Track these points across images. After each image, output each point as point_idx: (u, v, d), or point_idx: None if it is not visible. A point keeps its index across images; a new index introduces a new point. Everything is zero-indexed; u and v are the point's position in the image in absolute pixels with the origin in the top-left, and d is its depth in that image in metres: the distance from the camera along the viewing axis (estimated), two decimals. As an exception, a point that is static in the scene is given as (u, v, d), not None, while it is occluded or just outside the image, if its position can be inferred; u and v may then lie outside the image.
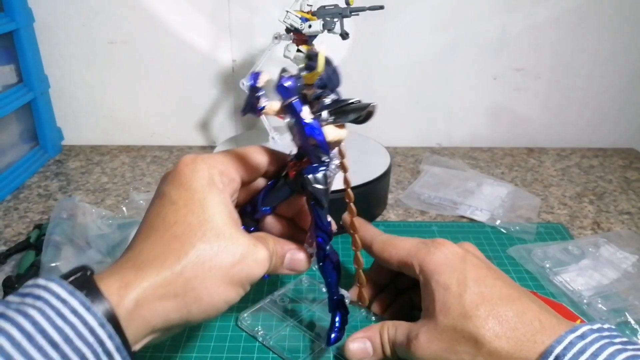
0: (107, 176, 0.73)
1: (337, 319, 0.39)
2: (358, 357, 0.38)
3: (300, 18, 0.52)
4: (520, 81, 0.81)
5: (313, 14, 0.53)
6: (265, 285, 0.48)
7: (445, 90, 0.82)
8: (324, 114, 0.32)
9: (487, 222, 0.60)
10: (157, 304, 0.27)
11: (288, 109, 0.32)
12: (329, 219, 0.35)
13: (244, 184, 0.35)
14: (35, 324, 0.23)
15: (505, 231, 0.58)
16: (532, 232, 0.58)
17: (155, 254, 0.28)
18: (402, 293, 0.44)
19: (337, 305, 0.39)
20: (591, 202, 0.67)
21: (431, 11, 0.76)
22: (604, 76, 0.81)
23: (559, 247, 0.53)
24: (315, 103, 0.32)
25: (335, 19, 0.52)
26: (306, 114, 0.31)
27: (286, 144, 0.37)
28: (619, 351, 0.29)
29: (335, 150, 0.34)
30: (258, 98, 0.31)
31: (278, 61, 0.53)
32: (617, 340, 0.30)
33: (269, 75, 0.32)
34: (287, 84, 0.31)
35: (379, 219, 0.62)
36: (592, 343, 0.30)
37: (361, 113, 0.32)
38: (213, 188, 0.31)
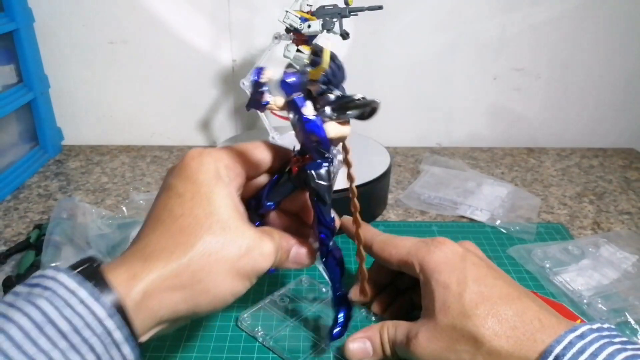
0: (107, 176, 0.73)
1: (340, 314, 0.39)
2: (358, 357, 0.37)
3: (299, 18, 0.52)
4: (520, 81, 0.81)
5: (312, 14, 0.53)
6: (265, 286, 0.48)
7: (445, 90, 0.82)
8: (327, 110, 0.32)
9: (487, 222, 0.60)
10: (164, 296, 0.27)
11: (290, 105, 0.32)
12: (333, 214, 0.35)
13: (249, 178, 0.35)
14: (44, 314, 0.23)
15: (505, 231, 0.58)
16: (532, 232, 0.58)
17: (163, 246, 0.29)
18: (402, 293, 0.44)
19: (340, 301, 0.39)
20: (591, 202, 0.67)
21: (431, 11, 0.76)
22: (604, 76, 0.81)
23: (559, 247, 0.53)
24: (319, 99, 0.32)
25: (335, 19, 0.52)
26: (308, 110, 0.31)
27: (286, 144, 0.37)
28: (619, 351, 0.29)
29: (339, 146, 0.34)
30: (262, 93, 0.31)
31: (278, 61, 0.53)
32: (617, 340, 0.30)
33: (272, 70, 0.32)
34: (290, 79, 0.31)
35: (379, 219, 0.62)
36: (591, 343, 0.30)
37: (365, 109, 0.31)
38: (219, 181, 0.31)
